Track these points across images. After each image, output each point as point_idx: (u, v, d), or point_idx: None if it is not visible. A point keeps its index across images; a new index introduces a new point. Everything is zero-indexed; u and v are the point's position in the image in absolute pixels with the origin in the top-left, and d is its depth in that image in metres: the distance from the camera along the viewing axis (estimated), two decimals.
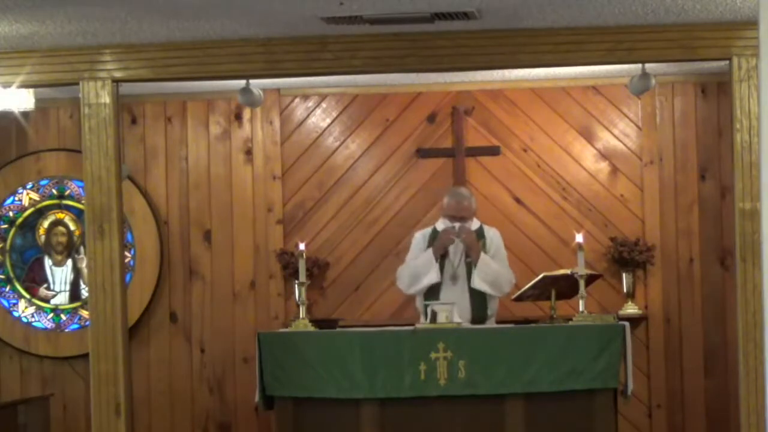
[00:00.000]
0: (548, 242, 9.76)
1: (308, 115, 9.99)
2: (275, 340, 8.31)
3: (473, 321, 8.67)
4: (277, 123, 9.97)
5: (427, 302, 8.49)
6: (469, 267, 8.72)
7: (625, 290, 9.64)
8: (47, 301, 10.09)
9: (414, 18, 7.46)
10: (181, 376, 9.95)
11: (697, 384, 9.65)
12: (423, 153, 9.89)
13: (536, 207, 9.79)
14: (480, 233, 8.81)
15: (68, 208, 10.12)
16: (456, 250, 8.74)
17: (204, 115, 10.01)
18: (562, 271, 8.52)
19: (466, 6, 7.25)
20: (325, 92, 9.95)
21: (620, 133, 9.79)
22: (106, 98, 8.09)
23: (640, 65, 8.39)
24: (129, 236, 9.88)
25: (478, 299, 8.72)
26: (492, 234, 8.86)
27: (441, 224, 8.85)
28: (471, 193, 9.03)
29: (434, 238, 8.78)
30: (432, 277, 8.68)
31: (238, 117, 9.99)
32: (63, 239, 10.10)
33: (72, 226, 10.11)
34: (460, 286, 8.71)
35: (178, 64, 8.10)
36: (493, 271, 8.68)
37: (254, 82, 8.78)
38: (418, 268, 8.74)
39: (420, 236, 8.92)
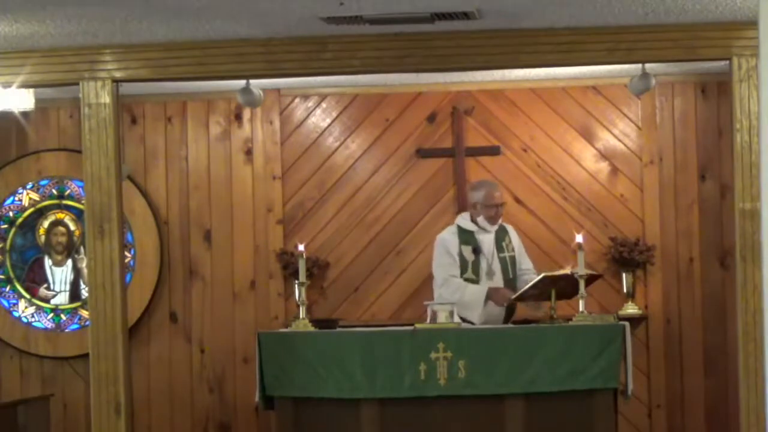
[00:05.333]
0: (548, 242, 9.75)
1: (308, 115, 9.98)
2: (275, 340, 8.30)
3: (507, 316, 8.68)
4: (277, 123, 9.96)
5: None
6: (503, 262, 8.72)
7: (625, 290, 9.63)
8: (47, 301, 10.09)
9: (414, 18, 7.46)
10: (181, 376, 9.95)
11: (697, 384, 9.65)
12: (423, 153, 9.88)
13: (536, 207, 9.78)
14: (503, 230, 8.81)
15: (68, 208, 10.12)
16: (489, 246, 8.71)
17: (204, 115, 10.01)
18: (562, 271, 8.51)
19: (466, 6, 7.24)
20: (325, 92, 9.95)
21: (620, 133, 9.78)
22: (106, 98, 8.09)
23: (640, 65, 8.40)
24: (129, 236, 9.87)
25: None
26: (511, 231, 8.90)
27: (462, 220, 8.81)
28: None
29: (463, 233, 8.71)
30: (474, 314, 8.56)
31: (238, 117, 9.99)
32: (63, 239, 10.10)
33: (72, 226, 10.10)
34: (497, 282, 8.70)
35: (178, 64, 8.10)
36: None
37: (254, 82, 8.78)
38: (465, 301, 8.56)
39: (448, 236, 8.74)
